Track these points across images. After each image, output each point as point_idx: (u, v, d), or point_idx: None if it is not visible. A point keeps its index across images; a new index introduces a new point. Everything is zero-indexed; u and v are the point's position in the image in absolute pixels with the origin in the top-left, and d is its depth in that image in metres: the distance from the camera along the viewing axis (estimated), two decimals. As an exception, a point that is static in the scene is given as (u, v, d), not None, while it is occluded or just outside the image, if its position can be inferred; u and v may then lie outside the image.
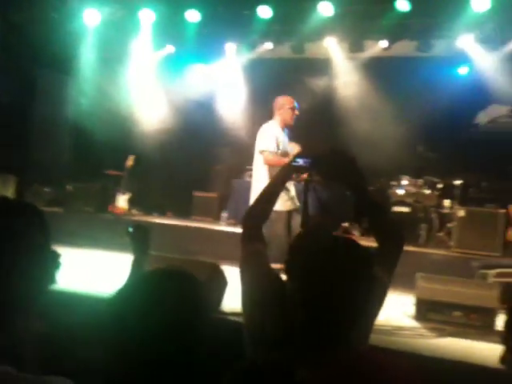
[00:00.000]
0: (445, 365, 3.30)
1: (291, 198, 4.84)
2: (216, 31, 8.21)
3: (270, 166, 4.86)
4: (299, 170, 2.02)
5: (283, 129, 5.07)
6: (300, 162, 1.96)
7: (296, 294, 1.41)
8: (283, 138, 5.05)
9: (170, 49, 9.09)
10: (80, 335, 2.65)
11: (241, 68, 9.17)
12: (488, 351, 3.50)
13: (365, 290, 1.40)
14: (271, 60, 8.79)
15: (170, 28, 8.39)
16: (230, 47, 8.81)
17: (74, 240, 6.46)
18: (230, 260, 6.06)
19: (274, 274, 1.75)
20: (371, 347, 1.65)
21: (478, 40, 7.60)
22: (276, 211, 4.39)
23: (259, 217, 1.98)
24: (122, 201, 8.13)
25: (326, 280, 1.36)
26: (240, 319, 3.66)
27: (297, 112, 5.06)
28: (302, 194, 4.63)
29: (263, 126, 5.11)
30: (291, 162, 2.00)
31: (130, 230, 2.82)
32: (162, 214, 8.66)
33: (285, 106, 5.02)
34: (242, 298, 1.79)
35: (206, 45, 8.69)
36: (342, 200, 6.89)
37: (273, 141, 4.90)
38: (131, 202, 8.25)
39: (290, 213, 4.77)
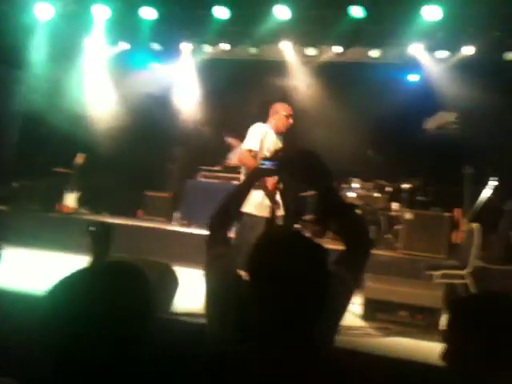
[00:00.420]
0: (391, 363, 3.38)
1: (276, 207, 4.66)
2: (172, 30, 8.15)
3: (242, 165, 4.82)
4: (267, 173, 2.00)
5: (276, 134, 4.89)
6: (268, 164, 1.95)
7: (254, 292, 1.43)
8: (276, 142, 4.86)
9: (124, 46, 8.95)
10: (21, 334, 2.57)
11: (197, 68, 9.13)
12: (432, 350, 3.62)
13: (321, 290, 1.41)
14: (227, 61, 8.79)
15: (125, 25, 8.26)
16: (186, 47, 8.76)
17: (19, 239, 6.25)
18: (182, 261, 6.06)
19: (238, 276, 1.75)
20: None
21: (429, 48, 7.85)
22: (256, 216, 4.35)
23: (225, 219, 1.97)
24: (71, 199, 7.94)
25: (280, 279, 1.37)
26: (191, 319, 3.66)
27: (291, 121, 4.90)
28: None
29: (254, 124, 4.88)
30: (259, 164, 2.00)
31: (92, 228, 2.67)
32: (113, 213, 8.51)
33: (280, 112, 4.86)
34: (205, 299, 1.78)
35: (161, 43, 8.62)
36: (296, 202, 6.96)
37: (257, 141, 4.70)
38: (80, 200, 8.07)
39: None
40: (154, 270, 3.90)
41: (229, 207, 2.00)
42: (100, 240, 2.69)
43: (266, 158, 1.99)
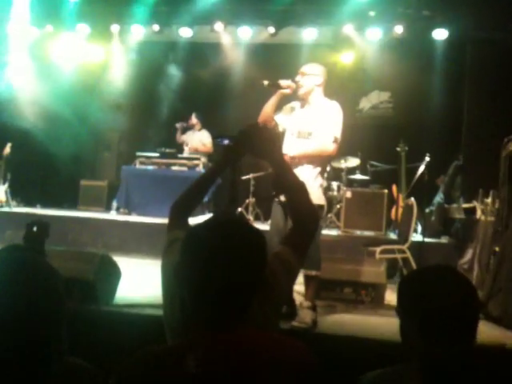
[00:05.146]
0: (338, 341, 3.41)
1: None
2: (100, 11, 7.81)
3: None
4: (236, 154, 1.91)
5: None
6: (225, 141, 1.88)
7: (185, 277, 1.35)
8: None
9: (49, 28, 8.48)
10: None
11: (128, 50, 8.81)
12: (379, 324, 3.68)
13: (256, 272, 1.34)
14: (160, 43, 8.55)
15: (49, 6, 7.84)
16: (116, 28, 8.42)
17: None
18: (123, 251, 5.89)
19: None
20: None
21: (361, 28, 7.92)
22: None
23: (184, 205, 1.93)
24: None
25: (211, 263, 1.29)
26: (134, 311, 3.54)
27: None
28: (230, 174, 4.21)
29: (336, 103, 4.11)
30: (217, 142, 1.91)
31: (34, 227, 2.66)
32: (46, 204, 8.14)
33: None
34: (162, 287, 1.70)
35: (89, 24, 8.24)
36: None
37: None
38: (10, 192, 7.66)
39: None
40: (92, 262, 3.75)
41: (191, 193, 1.95)
42: (35, 239, 2.69)
43: (218, 136, 1.90)
